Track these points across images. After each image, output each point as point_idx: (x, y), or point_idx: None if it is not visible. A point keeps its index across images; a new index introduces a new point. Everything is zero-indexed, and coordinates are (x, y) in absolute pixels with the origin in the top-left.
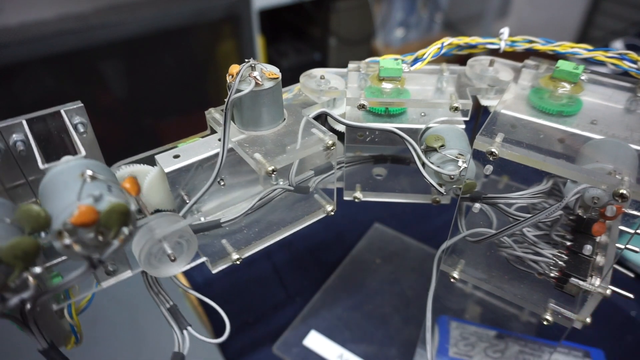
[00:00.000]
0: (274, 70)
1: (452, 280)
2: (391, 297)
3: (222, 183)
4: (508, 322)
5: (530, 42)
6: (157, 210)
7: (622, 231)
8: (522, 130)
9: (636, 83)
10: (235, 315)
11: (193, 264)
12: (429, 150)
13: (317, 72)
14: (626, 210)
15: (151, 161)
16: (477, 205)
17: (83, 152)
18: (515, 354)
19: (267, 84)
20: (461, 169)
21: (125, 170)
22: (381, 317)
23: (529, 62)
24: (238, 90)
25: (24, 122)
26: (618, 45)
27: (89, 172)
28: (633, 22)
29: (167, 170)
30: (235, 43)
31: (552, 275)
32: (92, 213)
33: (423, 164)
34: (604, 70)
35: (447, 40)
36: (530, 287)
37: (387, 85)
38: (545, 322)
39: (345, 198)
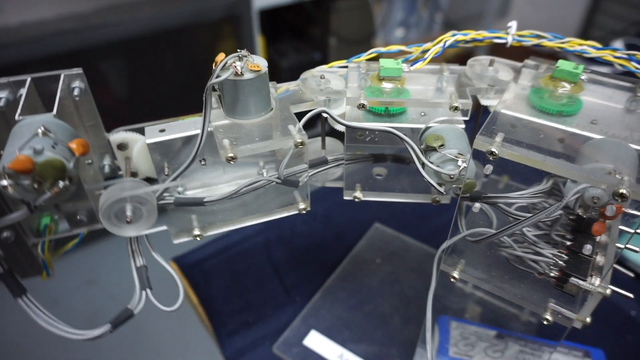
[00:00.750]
0: (259, 63)
1: (452, 280)
2: (391, 297)
3: (202, 162)
4: (508, 321)
5: (538, 36)
6: (147, 179)
7: (622, 231)
8: (522, 130)
9: (636, 83)
10: (235, 315)
11: (153, 231)
12: (428, 150)
13: (317, 71)
14: (626, 210)
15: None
16: (477, 205)
17: (54, 112)
18: (515, 354)
19: (248, 75)
20: (461, 168)
21: (118, 135)
22: (381, 317)
23: (529, 62)
24: (218, 77)
25: (29, 80)
26: (618, 44)
27: (41, 129)
28: (633, 22)
29: (148, 141)
30: (235, 43)
31: (552, 275)
32: (27, 163)
33: (422, 164)
34: (605, 69)
35: (451, 36)
36: (530, 287)
37: (387, 85)
38: (545, 322)
39: (345, 198)
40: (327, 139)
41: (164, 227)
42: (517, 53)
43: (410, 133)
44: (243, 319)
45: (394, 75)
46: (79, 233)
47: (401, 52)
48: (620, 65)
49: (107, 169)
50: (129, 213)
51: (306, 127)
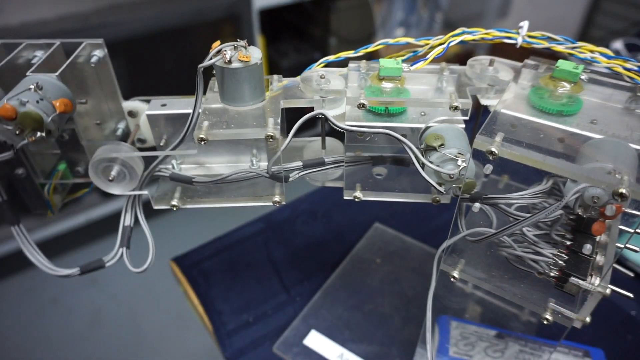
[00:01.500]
0: (253, 55)
1: (452, 279)
2: (391, 296)
3: (202, 142)
4: (508, 321)
5: (549, 39)
6: (153, 148)
7: (621, 230)
8: (522, 130)
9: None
10: (235, 315)
11: (134, 193)
12: (428, 149)
13: (317, 71)
14: (626, 210)
15: None
16: (477, 204)
17: (57, 73)
18: (515, 354)
19: (235, 65)
20: (460, 168)
21: (130, 103)
22: (381, 316)
23: (528, 61)
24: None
25: (57, 43)
26: (618, 45)
27: (33, 85)
28: (633, 22)
29: (147, 112)
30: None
31: (552, 274)
32: (10, 111)
33: (422, 165)
34: (604, 69)
35: (459, 34)
36: (530, 287)
37: (387, 85)
38: (545, 322)
39: (345, 197)
40: (328, 138)
41: (146, 192)
42: (517, 53)
43: (410, 132)
44: (243, 319)
45: (393, 75)
46: (91, 183)
47: (408, 45)
48: (630, 78)
49: (120, 132)
50: (113, 173)
51: (307, 127)
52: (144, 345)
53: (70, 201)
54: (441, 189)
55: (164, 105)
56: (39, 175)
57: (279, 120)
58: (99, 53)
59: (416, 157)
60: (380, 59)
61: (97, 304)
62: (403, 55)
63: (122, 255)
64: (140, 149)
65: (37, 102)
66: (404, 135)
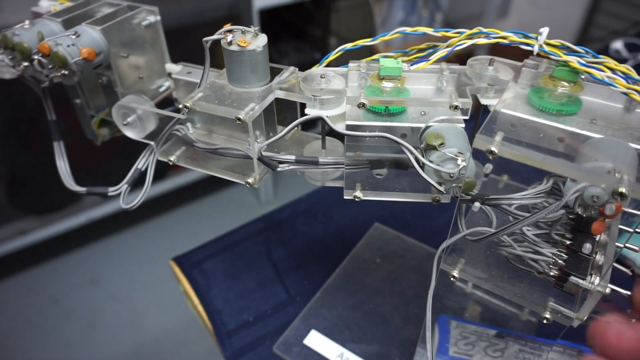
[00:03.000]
0: (255, 42)
1: (452, 279)
2: (391, 296)
3: (187, 110)
4: (508, 321)
5: (568, 49)
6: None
7: (621, 230)
8: (522, 129)
9: (636, 82)
10: (235, 315)
11: (144, 141)
12: (428, 149)
13: (317, 71)
14: (625, 209)
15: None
16: (477, 204)
17: (100, 27)
18: (515, 353)
19: (232, 47)
20: (460, 167)
21: (169, 65)
22: (381, 316)
23: (528, 61)
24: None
25: (125, 5)
26: (618, 45)
27: (73, 33)
28: (633, 22)
29: (173, 76)
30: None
31: (551, 274)
32: (46, 48)
33: (422, 165)
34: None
35: (475, 32)
36: (530, 286)
37: (387, 84)
38: (544, 321)
39: (346, 197)
40: (329, 139)
41: (152, 143)
42: (517, 53)
43: (410, 132)
44: (243, 319)
45: (393, 75)
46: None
47: (425, 36)
48: None
49: (162, 89)
50: (129, 119)
51: (307, 127)
52: (144, 345)
53: (118, 137)
54: (441, 188)
55: (189, 72)
56: (92, 108)
57: (257, 107)
58: (151, 18)
59: (415, 158)
60: (380, 59)
61: (97, 304)
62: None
63: (124, 191)
64: (177, 109)
65: (68, 46)
66: (404, 135)
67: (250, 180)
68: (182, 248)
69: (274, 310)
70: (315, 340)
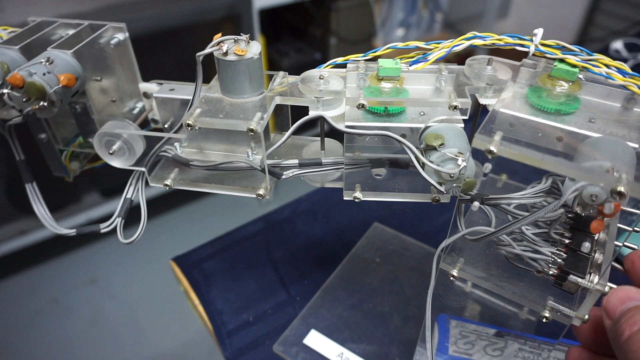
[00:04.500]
0: (251, 50)
1: (451, 278)
2: (391, 295)
3: (189, 128)
4: (507, 320)
5: (563, 48)
6: (164, 129)
7: (620, 228)
8: (521, 129)
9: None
10: (235, 314)
11: (132, 168)
12: (428, 149)
13: (317, 71)
14: (624, 208)
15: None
16: (476, 203)
17: (71, 50)
18: (514, 352)
19: (230, 57)
20: (461, 167)
21: (145, 85)
22: (381, 315)
23: (527, 61)
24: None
25: (86, 24)
26: (618, 45)
27: (44, 59)
28: (633, 22)
29: (155, 95)
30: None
31: (551, 272)
32: (18, 80)
33: (422, 165)
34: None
35: (470, 37)
36: (529, 285)
37: (386, 85)
38: (544, 320)
39: (345, 198)
40: (327, 140)
41: (143, 169)
42: (515, 52)
43: (409, 132)
44: (243, 319)
45: (392, 75)
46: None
47: (417, 49)
48: None
49: (136, 111)
50: (114, 147)
51: (307, 127)
52: (144, 345)
53: (88, 170)
54: (442, 188)
55: (172, 89)
56: (60, 142)
57: (265, 115)
58: (120, 36)
59: (416, 157)
60: (379, 59)
61: (97, 304)
62: (412, 57)
63: (117, 224)
64: (154, 129)
65: (44, 74)
66: (403, 135)
67: (261, 192)
68: (182, 248)
69: (274, 310)
70: (315, 339)
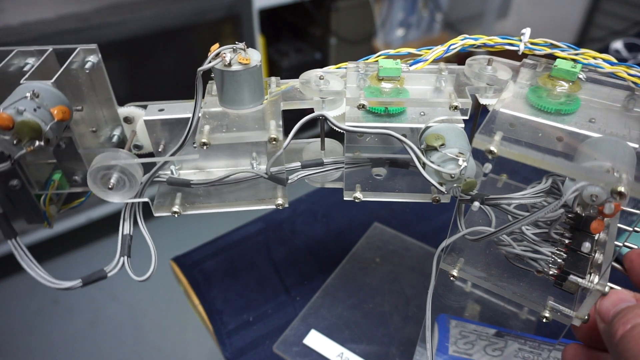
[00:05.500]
0: (252, 57)
1: (451, 278)
2: (391, 296)
3: (195, 145)
4: (507, 320)
5: (552, 45)
6: (151, 154)
7: (620, 228)
8: (521, 129)
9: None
10: (235, 314)
11: (134, 201)
12: (429, 150)
13: (316, 72)
14: (624, 208)
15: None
16: (477, 203)
17: (52, 80)
18: (514, 352)
19: (235, 67)
20: (462, 167)
21: (125, 109)
22: (381, 315)
23: (527, 61)
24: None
25: (49, 50)
26: (618, 45)
27: (30, 93)
28: (633, 22)
29: (145, 118)
30: (236, 43)
31: (551, 272)
32: (7, 120)
33: (423, 165)
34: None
35: (459, 40)
36: (529, 285)
37: (386, 85)
38: (544, 320)
39: (346, 198)
40: (327, 140)
41: (146, 199)
42: (514, 53)
43: (409, 133)
44: (243, 319)
45: (393, 75)
46: (87, 192)
47: (410, 55)
48: (634, 83)
49: (115, 139)
50: (112, 181)
51: (305, 128)
52: (144, 345)
53: (66, 211)
54: (442, 188)
55: (161, 110)
56: (34, 186)
57: (280, 122)
58: (93, 59)
59: (417, 156)
60: (380, 59)
61: (97, 304)
62: (407, 61)
63: (123, 264)
64: (138, 156)
65: (35, 110)
66: (404, 136)
67: (279, 201)
68: (182, 248)
69: (274, 310)
70: (315, 339)
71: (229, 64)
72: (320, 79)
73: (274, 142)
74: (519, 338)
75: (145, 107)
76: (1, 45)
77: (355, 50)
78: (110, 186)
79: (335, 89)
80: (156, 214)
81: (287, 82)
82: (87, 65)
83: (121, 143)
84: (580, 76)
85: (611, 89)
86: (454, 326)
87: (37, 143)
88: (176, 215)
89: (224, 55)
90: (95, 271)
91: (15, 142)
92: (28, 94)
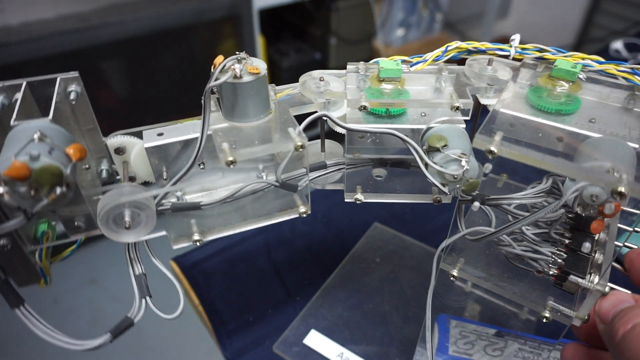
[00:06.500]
0: (259, 65)
1: (451, 278)
2: (391, 296)
3: (201, 166)
4: (507, 320)
5: (541, 50)
6: (145, 183)
7: (620, 229)
8: (521, 129)
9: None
10: (235, 314)
11: (152, 236)
12: (431, 151)
13: (316, 73)
14: (624, 208)
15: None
16: (477, 203)
17: (50, 116)
18: (514, 352)
19: (247, 78)
20: (465, 168)
21: (116, 139)
22: (381, 316)
23: (527, 61)
24: (217, 79)
25: (24, 84)
26: (618, 45)
27: (37, 134)
28: (633, 22)
29: (146, 145)
30: (236, 42)
31: (551, 273)
32: (23, 169)
33: (426, 165)
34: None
35: (454, 44)
36: (529, 285)
37: (386, 86)
38: (544, 320)
39: (347, 200)
40: (327, 141)
41: (163, 233)
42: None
43: (410, 134)
44: (243, 319)
45: (394, 76)
46: (77, 240)
47: (404, 62)
48: (624, 78)
49: (104, 174)
50: (127, 219)
51: (305, 129)
52: (144, 345)
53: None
54: (445, 189)
55: (160, 134)
56: (26, 241)
57: (300, 128)
58: (75, 87)
59: (420, 156)
60: (380, 60)
61: (97, 304)
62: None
63: (146, 306)
64: (143, 183)
65: (49, 152)
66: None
67: (302, 209)
68: (182, 248)
69: (274, 310)
70: (315, 339)
71: (240, 76)
72: (320, 80)
73: (300, 150)
74: (519, 338)
75: (134, 134)
76: (1, 46)
77: (355, 50)
78: (127, 225)
79: (336, 90)
80: (175, 247)
81: (283, 88)
82: (72, 96)
83: (110, 177)
84: (581, 76)
85: (611, 89)
86: (454, 326)
87: (58, 190)
88: (198, 244)
89: (233, 67)
90: (121, 321)
91: (33, 192)
92: (35, 136)
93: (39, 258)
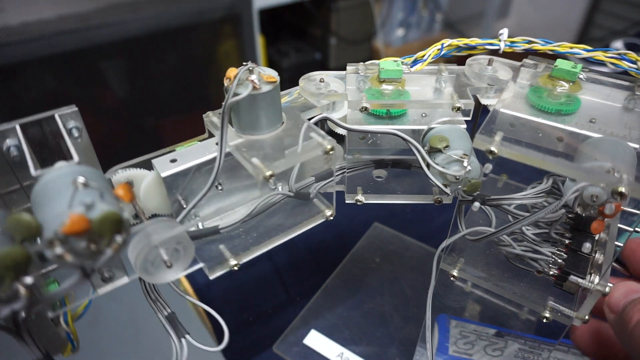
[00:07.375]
0: (272, 74)
1: (451, 278)
2: (391, 296)
3: (219, 188)
4: (507, 320)
5: (530, 42)
6: (154, 215)
7: (620, 229)
8: (521, 129)
9: (634, 82)
10: (235, 315)
11: (190, 270)
12: (433, 151)
13: (317, 75)
14: (625, 208)
15: (148, 165)
16: (477, 203)
17: (76, 158)
18: (514, 352)
19: (265, 88)
20: (467, 169)
21: (121, 175)
22: (381, 316)
23: (527, 61)
24: (235, 94)
25: (17, 127)
26: (618, 45)
27: (81, 180)
28: (633, 22)
29: (163, 175)
30: (236, 43)
31: (551, 273)
32: (83, 222)
33: (428, 165)
34: (603, 69)
35: (447, 42)
36: (529, 285)
37: (387, 87)
38: (544, 320)
39: (347, 201)
40: None
41: (201, 265)
42: (515, 53)
43: (411, 134)
44: (243, 319)
45: (394, 77)
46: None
47: (423, 39)
48: (613, 64)
49: None
50: (166, 257)
51: None
52: (144, 346)
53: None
54: (447, 190)
55: (173, 161)
56: (48, 306)
57: (322, 132)
58: (77, 123)
59: (422, 157)
60: (380, 61)
61: (97, 304)
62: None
63: (187, 345)
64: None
65: (101, 197)
66: None
67: (328, 213)
68: None
69: (274, 310)
70: (315, 340)
71: (259, 87)
72: (320, 81)
73: (331, 152)
74: (519, 338)
75: (135, 166)
76: (1, 46)
77: (355, 50)
78: (168, 264)
79: (337, 92)
80: (212, 277)
81: (283, 94)
82: (75, 134)
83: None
84: (581, 76)
85: (611, 89)
86: (454, 326)
87: (119, 238)
88: (236, 268)
89: (250, 79)
90: None
91: (93, 246)
92: (80, 182)
93: (64, 322)
